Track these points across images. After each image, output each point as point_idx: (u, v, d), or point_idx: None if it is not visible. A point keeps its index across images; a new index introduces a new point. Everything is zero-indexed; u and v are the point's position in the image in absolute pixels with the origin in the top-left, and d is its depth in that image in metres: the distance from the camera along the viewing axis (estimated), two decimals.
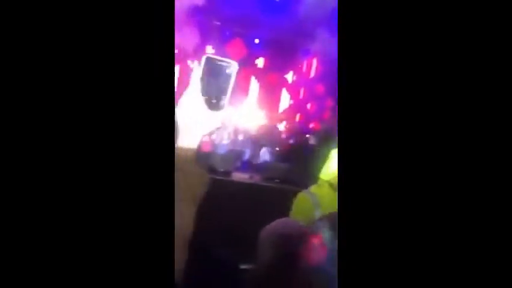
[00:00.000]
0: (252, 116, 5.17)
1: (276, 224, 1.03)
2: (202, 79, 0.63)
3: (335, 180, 1.58)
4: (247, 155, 4.57)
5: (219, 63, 0.64)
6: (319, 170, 1.68)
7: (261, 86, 6.65)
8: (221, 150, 4.30)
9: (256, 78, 6.60)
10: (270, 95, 6.62)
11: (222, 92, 0.64)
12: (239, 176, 3.86)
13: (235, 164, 3.81)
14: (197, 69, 0.62)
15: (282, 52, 6.36)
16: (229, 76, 0.64)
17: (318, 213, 1.62)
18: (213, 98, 0.63)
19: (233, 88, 0.64)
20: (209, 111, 0.64)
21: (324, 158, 1.70)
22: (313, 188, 1.68)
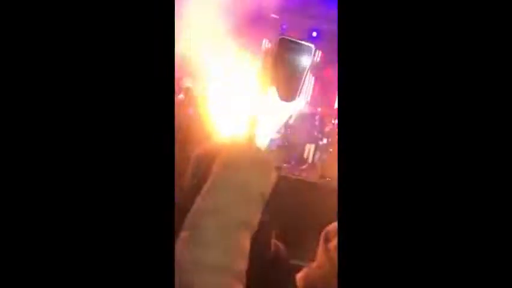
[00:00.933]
0: (306, 111, 5.06)
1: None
2: (274, 65, 0.56)
3: None
4: (300, 152, 4.50)
5: (295, 46, 0.56)
6: None
7: (316, 81, 6.51)
8: (273, 144, 4.27)
9: (311, 72, 6.48)
10: (327, 90, 6.46)
11: (296, 79, 0.56)
12: (290, 172, 3.81)
13: (286, 160, 3.76)
14: (268, 53, 0.55)
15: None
16: (305, 61, 0.55)
17: None
18: (286, 87, 0.55)
19: (308, 76, 0.55)
20: (280, 102, 0.56)
21: None
22: None
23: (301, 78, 0.55)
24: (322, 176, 3.60)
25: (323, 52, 6.53)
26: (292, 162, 3.95)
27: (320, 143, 4.85)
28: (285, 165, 3.64)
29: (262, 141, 0.59)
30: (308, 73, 0.57)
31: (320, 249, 0.96)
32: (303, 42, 0.57)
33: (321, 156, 4.64)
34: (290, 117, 0.58)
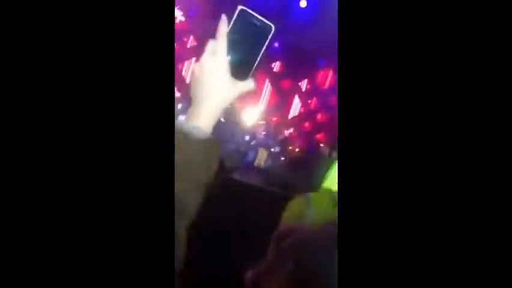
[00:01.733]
0: (261, 119, 5.13)
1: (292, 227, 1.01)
2: (230, 36, 0.52)
3: (336, 193, 1.57)
4: (251, 157, 4.54)
5: (255, 21, 0.53)
6: (322, 179, 1.67)
7: (273, 90, 6.63)
8: (226, 147, 4.27)
9: (270, 82, 6.58)
10: (282, 100, 6.59)
11: (251, 56, 0.53)
12: (240, 176, 3.83)
13: (238, 163, 3.78)
14: (225, 23, 0.52)
15: (300, 59, 6.33)
16: (262, 39, 0.53)
17: (308, 218, 1.60)
18: (239, 62, 0.52)
19: (262, 56, 0.54)
20: (231, 78, 0.54)
21: (329, 169, 1.69)
22: (311, 194, 1.69)
23: (255, 58, 0.53)
24: (272, 184, 3.66)
25: (282, 64, 6.67)
26: (241, 166, 3.97)
27: (272, 150, 4.94)
28: (234, 167, 3.64)
29: (207, 120, 0.56)
30: (263, 54, 0.54)
31: (272, 251, 0.97)
32: (263, 19, 0.53)
33: (272, 163, 4.73)
34: (236, 98, 0.55)
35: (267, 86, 6.59)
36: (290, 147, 5.14)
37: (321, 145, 4.60)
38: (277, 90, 6.55)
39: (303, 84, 6.81)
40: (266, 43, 0.55)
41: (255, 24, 0.54)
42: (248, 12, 0.54)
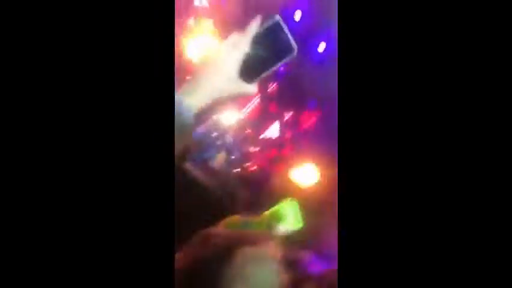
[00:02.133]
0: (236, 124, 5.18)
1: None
2: (256, 39, 0.54)
3: (275, 226, 1.66)
4: (209, 154, 4.55)
5: (283, 35, 0.56)
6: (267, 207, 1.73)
7: (259, 107, 6.69)
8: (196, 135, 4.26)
9: (260, 97, 6.66)
10: (263, 119, 6.66)
11: (264, 66, 0.56)
12: (192, 167, 3.83)
13: (196, 155, 3.79)
14: (257, 25, 0.53)
15: (294, 93, 6.47)
16: (282, 55, 0.56)
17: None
18: (252, 66, 0.55)
19: (274, 69, 0.56)
20: (237, 76, 0.56)
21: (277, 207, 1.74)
22: (251, 219, 1.72)
23: (267, 69, 0.56)
24: (216, 187, 3.68)
25: (277, 87, 6.78)
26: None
27: (232, 157, 5.00)
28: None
29: (198, 100, 0.57)
30: (277, 67, 0.58)
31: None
32: (291, 38, 0.57)
33: (226, 170, 4.75)
34: (236, 97, 0.57)
35: (256, 100, 6.65)
36: (248, 164, 5.21)
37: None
38: (263, 108, 6.63)
39: (287, 115, 6.93)
40: (283, 61, 0.59)
41: (282, 39, 0.58)
42: (281, 25, 0.53)
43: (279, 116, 7.47)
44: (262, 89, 7.02)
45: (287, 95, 7.15)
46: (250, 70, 0.58)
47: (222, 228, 1.62)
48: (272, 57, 0.59)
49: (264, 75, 0.59)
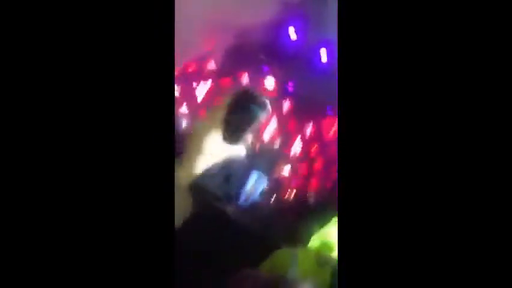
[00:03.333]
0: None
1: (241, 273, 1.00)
2: (230, 108, 0.58)
3: (325, 254, 1.54)
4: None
5: (256, 97, 0.59)
6: (312, 232, 1.63)
7: (278, 131, 6.68)
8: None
9: (277, 120, 6.65)
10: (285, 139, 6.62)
11: (244, 126, 0.59)
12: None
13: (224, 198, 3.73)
14: (230, 96, 0.58)
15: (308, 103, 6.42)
16: (259, 115, 0.59)
17: (292, 274, 1.54)
18: (233, 130, 0.58)
19: (256, 128, 0.59)
20: (223, 141, 0.59)
21: (321, 222, 1.64)
22: (298, 249, 1.61)
23: (249, 127, 0.59)
24: (254, 222, 3.62)
25: (291, 105, 6.78)
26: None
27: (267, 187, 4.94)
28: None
29: (196, 172, 0.59)
30: (257, 126, 0.60)
31: None
32: (264, 97, 0.61)
33: (263, 201, 4.68)
34: (227, 161, 0.61)
35: (274, 122, 6.65)
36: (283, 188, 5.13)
37: (308, 193, 4.58)
38: (283, 131, 6.60)
39: (308, 128, 6.87)
40: (260, 119, 0.60)
41: (256, 99, 0.60)
42: (253, 88, 0.60)
43: (300, 131, 7.43)
44: (278, 109, 7.05)
45: (302, 110, 7.14)
46: (233, 134, 0.59)
47: (265, 270, 1.57)
48: (251, 117, 0.60)
49: (246, 133, 0.60)
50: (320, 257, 1.57)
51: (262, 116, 0.61)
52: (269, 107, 0.61)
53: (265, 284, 0.84)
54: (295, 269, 1.59)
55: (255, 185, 4.49)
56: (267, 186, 4.72)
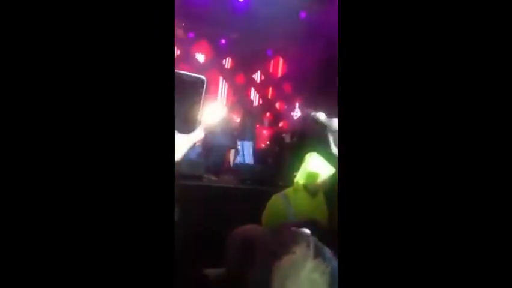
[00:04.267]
0: (220, 117, 5.10)
1: (244, 229, 1.01)
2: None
3: (312, 185, 1.56)
4: (217, 157, 4.51)
5: (186, 78, 0.57)
6: (295, 173, 1.63)
7: (229, 87, 6.61)
8: (190, 155, 4.22)
9: (224, 78, 6.55)
10: (240, 94, 6.59)
11: (192, 111, 0.58)
12: (210, 179, 3.83)
13: (205, 168, 3.76)
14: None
15: (249, 52, 6.33)
16: (198, 93, 0.57)
17: (291, 216, 1.58)
18: (183, 120, 0.57)
19: (203, 106, 0.58)
20: (179, 134, 0.57)
21: (300, 161, 1.65)
22: (288, 191, 1.65)
23: (198, 110, 0.57)
24: (242, 180, 3.68)
25: (232, 59, 6.66)
26: (210, 169, 3.95)
27: (238, 147, 4.96)
28: (202, 172, 3.61)
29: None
30: (203, 103, 0.58)
31: (226, 255, 0.95)
32: (194, 74, 0.59)
33: (239, 160, 4.73)
34: (192, 147, 0.60)
35: (223, 83, 6.56)
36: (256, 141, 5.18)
37: (284, 135, 4.65)
38: (233, 85, 6.54)
39: (257, 76, 6.85)
40: (203, 95, 0.57)
41: (187, 81, 0.57)
42: (179, 73, 0.56)
43: (251, 82, 7.41)
44: (220, 69, 6.91)
45: (244, 60, 7.04)
46: (185, 123, 0.57)
47: (265, 222, 1.59)
48: (192, 100, 0.58)
49: (199, 116, 0.58)
50: (309, 189, 1.60)
51: (203, 92, 0.57)
52: (204, 81, 0.57)
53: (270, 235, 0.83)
54: (292, 211, 1.62)
55: (245, 151, 4.51)
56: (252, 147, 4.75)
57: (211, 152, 4.63)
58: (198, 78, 0.57)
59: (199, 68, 5.86)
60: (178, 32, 5.83)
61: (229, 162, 4.59)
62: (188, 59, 5.89)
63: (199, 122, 0.58)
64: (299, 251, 0.53)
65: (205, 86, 0.57)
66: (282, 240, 0.63)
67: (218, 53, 6.25)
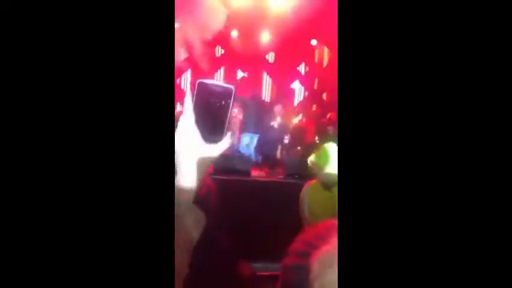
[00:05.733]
0: (267, 113, 5.08)
1: None
2: (196, 110, 0.57)
3: (327, 178, 1.63)
4: (263, 154, 4.51)
5: (214, 88, 0.56)
6: (317, 158, 1.72)
7: (273, 81, 6.57)
8: (238, 151, 4.26)
9: (268, 73, 6.53)
10: (284, 88, 6.53)
11: (218, 122, 0.57)
12: (258, 175, 3.83)
13: (252, 163, 3.77)
14: (189, 97, 0.56)
15: (291, 44, 6.23)
16: (227, 102, 0.56)
17: (305, 207, 1.72)
18: (209, 130, 0.56)
19: (230, 116, 0.57)
20: (206, 144, 0.57)
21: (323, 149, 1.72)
22: (310, 183, 1.76)
23: (224, 120, 0.57)
24: (289, 174, 3.64)
25: (275, 53, 6.62)
26: (258, 164, 3.96)
27: (285, 141, 4.91)
28: (250, 168, 3.63)
29: (193, 182, 0.60)
30: (230, 114, 0.58)
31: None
32: (222, 84, 0.58)
33: (287, 154, 4.69)
34: (220, 157, 0.60)
35: (266, 79, 6.54)
36: (302, 135, 5.09)
37: (328, 128, 4.53)
38: (277, 79, 6.50)
39: (301, 68, 6.74)
40: (231, 105, 0.57)
41: (216, 91, 0.57)
42: (207, 83, 0.56)
43: (296, 74, 7.31)
44: (264, 65, 6.90)
45: (287, 53, 6.96)
46: (212, 133, 0.57)
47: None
48: (221, 109, 0.57)
49: (226, 126, 0.57)
50: (324, 183, 1.65)
51: (231, 102, 0.58)
52: (233, 90, 0.58)
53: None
54: (306, 201, 1.74)
55: (249, 143, 4.56)
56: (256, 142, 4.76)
57: (259, 148, 4.66)
58: (227, 87, 0.57)
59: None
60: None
61: (277, 158, 4.58)
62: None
63: (226, 133, 0.57)
64: (335, 241, 0.54)
65: (233, 96, 0.56)
66: (317, 232, 0.63)
67: (260, 47, 6.23)
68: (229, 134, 0.58)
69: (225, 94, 0.56)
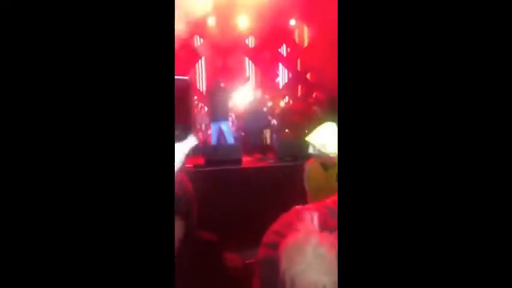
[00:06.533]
0: (251, 97, 5.02)
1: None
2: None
3: (325, 158, 1.65)
4: (256, 139, 4.47)
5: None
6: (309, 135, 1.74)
7: (256, 65, 6.49)
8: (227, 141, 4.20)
9: (249, 58, 6.44)
10: (267, 72, 6.46)
11: (181, 116, 0.56)
12: (249, 161, 3.81)
13: (243, 151, 3.74)
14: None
15: (270, 26, 6.13)
16: (185, 96, 0.55)
17: (305, 185, 1.77)
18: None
19: (193, 108, 0.56)
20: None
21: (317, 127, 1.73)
22: (309, 162, 1.77)
23: (189, 113, 0.56)
24: (280, 158, 3.62)
25: (255, 37, 6.52)
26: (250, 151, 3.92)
27: (273, 124, 4.88)
28: (237, 156, 3.59)
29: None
30: (191, 106, 0.58)
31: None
32: (177, 76, 0.56)
33: (277, 137, 4.67)
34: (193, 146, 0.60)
35: (249, 63, 6.46)
36: (290, 116, 5.06)
37: (315, 108, 4.51)
38: (259, 63, 6.42)
39: (283, 50, 6.66)
40: (189, 97, 0.58)
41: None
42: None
43: (278, 57, 7.24)
44: (244, 49, 6.81)
45: (267, 36, 6.88)
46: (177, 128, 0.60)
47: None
48: (181, 103, 0.55)
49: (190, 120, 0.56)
50: (323, 163, 1.69)
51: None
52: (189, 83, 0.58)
53: None
54: (305, 179, 1.79)
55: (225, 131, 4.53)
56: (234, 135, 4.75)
57: (248, 134, 4.61)
58: (182, 80, 0.54)
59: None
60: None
61: (265, 143, 4.55)
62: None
63: (192, 126, 0.56)
64: (302, 226, 0.52)
65: (190, 87, 0.54)
66: (286, 220, 0.63)
67: (240, 32, 6.13)
68: (197, 126, 0.57)
69: (182, 86, 0.54)
